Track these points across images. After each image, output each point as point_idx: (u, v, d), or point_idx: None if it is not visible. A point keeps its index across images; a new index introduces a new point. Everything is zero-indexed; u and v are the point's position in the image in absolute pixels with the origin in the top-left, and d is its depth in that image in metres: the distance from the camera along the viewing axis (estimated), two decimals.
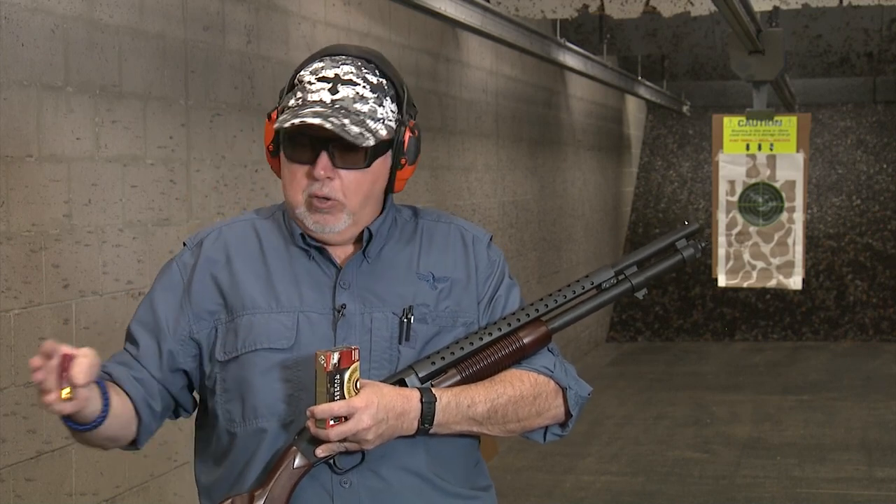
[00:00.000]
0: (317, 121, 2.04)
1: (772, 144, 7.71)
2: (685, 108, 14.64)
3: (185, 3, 4.54)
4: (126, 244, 4.21)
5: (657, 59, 13.64)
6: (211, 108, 4.74)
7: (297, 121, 2.05)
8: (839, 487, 6.85)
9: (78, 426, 2.00)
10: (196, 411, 2.24)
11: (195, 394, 2.23)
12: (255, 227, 2.20)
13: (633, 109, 14.38)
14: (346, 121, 2.06)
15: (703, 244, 2.28)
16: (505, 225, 8.94)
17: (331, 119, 2.05)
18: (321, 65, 2.12)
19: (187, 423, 4.54)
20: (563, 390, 2.17)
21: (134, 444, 2.16)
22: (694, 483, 6.99)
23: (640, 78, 11.82)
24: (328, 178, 2.08)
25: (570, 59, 8.70)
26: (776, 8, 7.61)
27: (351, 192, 2.10)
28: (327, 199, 2.09)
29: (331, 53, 2.14)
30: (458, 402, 2.07)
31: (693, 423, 8.70)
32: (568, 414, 2.18)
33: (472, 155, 8.17)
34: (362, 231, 2.15)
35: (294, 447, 2.04)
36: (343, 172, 2.09)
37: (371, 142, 2.07)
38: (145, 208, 4.33)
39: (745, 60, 7.70)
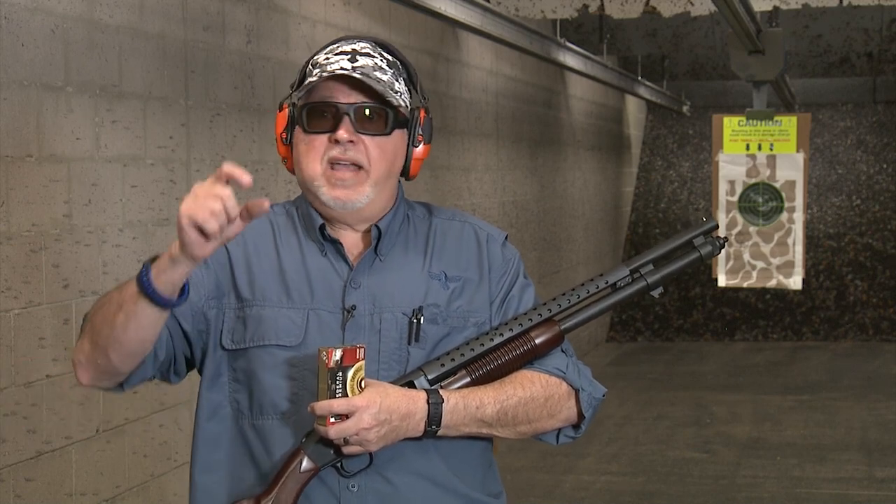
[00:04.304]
0: (345, 71, 2.04)
1: (772, 144, 7.71)
2: (685, 108, 14.63)
3: (185, 3, 4.54)
4: (126, 244, 4.21)
5: (657, 59, 13.63)
6: (211, 108, 4.73)
7: (325, 73, 2.04)
8: (839, 487, 6.84)
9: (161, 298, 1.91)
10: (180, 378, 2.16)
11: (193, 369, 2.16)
12: (270, 220, 2.17)
13: (633, 109, 14.38)
14: (371, 80, 2.05)
15: (722, 240, 2.19)
16: (505, 225, 8.93)
17: (356, 75, 2.05)
18: (335, 45, 2.13)
19: (187, 424, 4.54)
20: (576, 392, 2.14)
21: (121, 386, 2.07)
22: (694, 483, 6.99)
23: (640, 78, 11.82)
24: (351, 141, 2.06)
25: (570, 59, 8.69)
26: (776, 8, 7.60)
27: (375, 159, 2.08)
28: (352, 163, 2.06)
29: (343, 38, 2.15)
30: (467, 404, 2.05)
31: (693, 423, 8.70)
32: (581, 416, 2.15)
33: (472, 155, 8.16)
34: (370, 228, 2.13)
35: (301, 450, 2.01)
36: (366, 139, 2.07)
37: (394, 101, 2.07)
38: (145, 208, 4.32)
39: (745, 60, 7.70)
